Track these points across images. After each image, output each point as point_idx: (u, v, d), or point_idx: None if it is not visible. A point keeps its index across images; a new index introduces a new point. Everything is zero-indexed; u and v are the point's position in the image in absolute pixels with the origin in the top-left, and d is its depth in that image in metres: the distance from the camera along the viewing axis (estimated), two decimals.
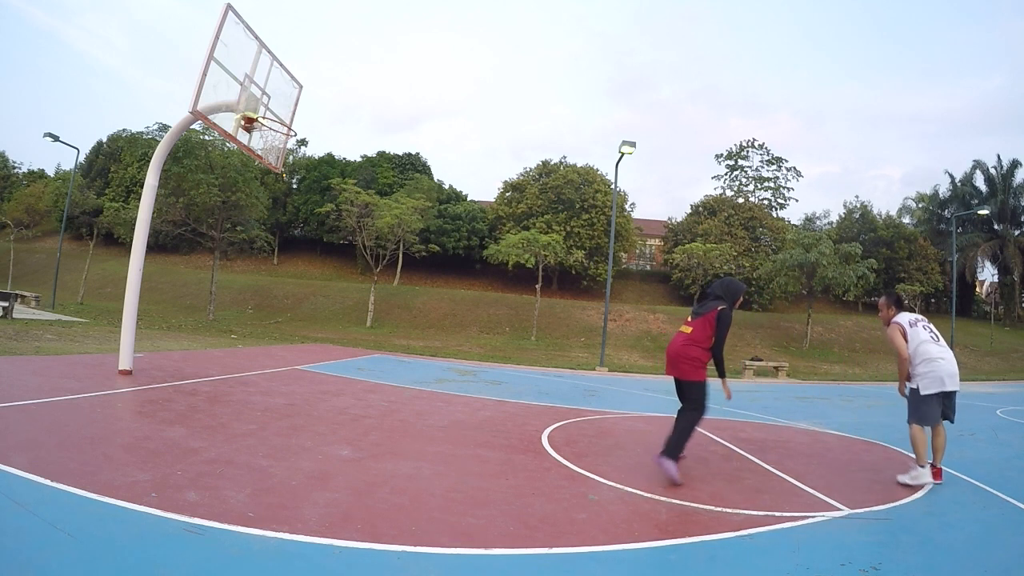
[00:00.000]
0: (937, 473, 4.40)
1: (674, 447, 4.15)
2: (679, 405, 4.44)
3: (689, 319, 4.51)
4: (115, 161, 39.65)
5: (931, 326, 4.69)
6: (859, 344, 27.27)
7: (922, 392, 4.41)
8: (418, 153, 41.91)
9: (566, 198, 34.19)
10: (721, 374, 4.56)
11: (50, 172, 46.40)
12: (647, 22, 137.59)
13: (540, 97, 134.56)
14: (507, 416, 6.55)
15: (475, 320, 27.59)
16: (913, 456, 4.56)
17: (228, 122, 7.20)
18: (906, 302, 4.59)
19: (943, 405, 4.43)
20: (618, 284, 36.50)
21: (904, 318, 4.70)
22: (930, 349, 4.47)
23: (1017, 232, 37.30)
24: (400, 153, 41.36)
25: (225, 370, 8.48)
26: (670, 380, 4.91)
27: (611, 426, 6.46)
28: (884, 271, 32.94)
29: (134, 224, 7.65)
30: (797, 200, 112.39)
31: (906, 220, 42.63)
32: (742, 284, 4.62)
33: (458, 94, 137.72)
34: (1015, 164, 36.87)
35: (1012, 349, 28.41)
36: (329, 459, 4.00)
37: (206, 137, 21.83)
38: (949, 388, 4.36)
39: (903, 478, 4.42)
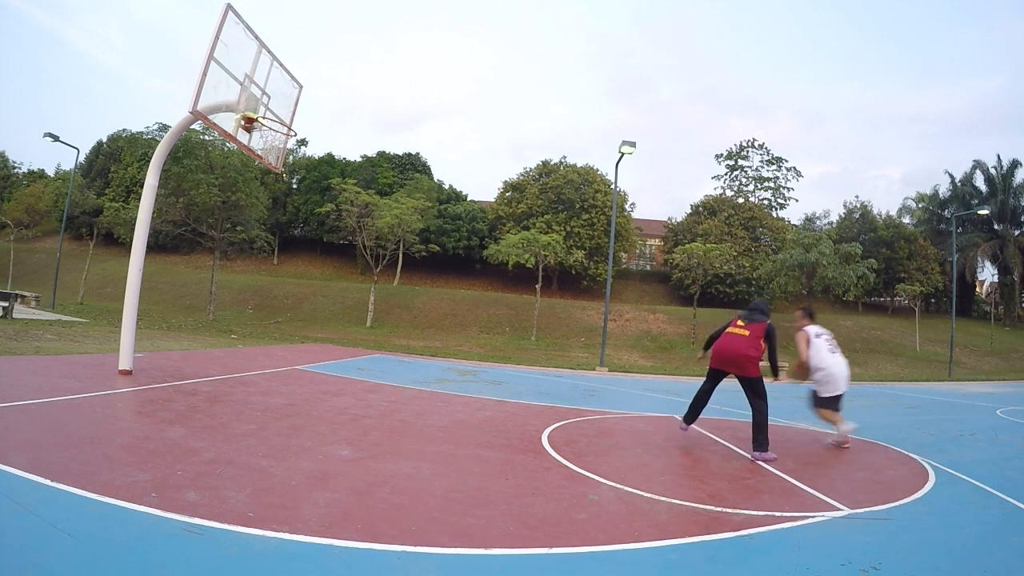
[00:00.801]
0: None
1: (763, 440, 4.95)
2: (681, 404, 4.82)
3: (741, 323, 5.34)
4: (115, 161, 39.66)
5: (831, 339, 5.87)
6: (859, 344, 27.26)
7: (822, 395, 5.66)
8: (418, 153, 41.95)
9: (566, 198, 34.20)
10: (775, 373, 5.73)
11: (50, 172, 46.44)
12: (647, 23, 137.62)
13: (540, 97, 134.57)
14: (507, 416, 6.55)
15: (475, 320, 27.59)
16: (832, 431, 5.82)
17: (228, 122, 7.20)
18: (816, 316, 6.31)
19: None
20: (618, 284, 36.51)
21: (811, 330, 5.81)
22: (826, 359, 5.64)
23: (1017, 232, 37.33)
24: (400, 153, 41.38)
25: (225, 370, 8.48)
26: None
27: (611, 426, 6.46)
28: (884, 271, 32.94)
29: (134, 224, 7.65)
30: (797, 200, 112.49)
31: (906, 220, 42.65)
32: None
33: (458, 94, 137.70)
34: (1015, 164, 36.92)
35: (1012, 349, 28.42)
36: (329, 459, 4.00)
37: (206, 137, 21.83)
38: (841, 391, 5.61)
39: (832, 439, 5.72)
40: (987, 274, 40.53)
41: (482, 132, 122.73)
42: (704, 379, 5.61)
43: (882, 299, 40.11)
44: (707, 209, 37.78)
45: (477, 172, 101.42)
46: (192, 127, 13.16)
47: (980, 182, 39.12)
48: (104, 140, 43.91)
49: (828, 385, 5.62)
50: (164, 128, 23.31)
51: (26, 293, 21.78)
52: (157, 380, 6.81)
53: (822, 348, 5.70)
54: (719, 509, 3.46)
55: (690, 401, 5.68)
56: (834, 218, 45.40)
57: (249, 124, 7.32)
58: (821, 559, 2.77)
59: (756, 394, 5.13)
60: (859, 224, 39.00)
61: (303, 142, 41.87)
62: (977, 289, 43.48)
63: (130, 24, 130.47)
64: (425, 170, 40.78)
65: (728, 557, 2.79)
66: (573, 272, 33.37)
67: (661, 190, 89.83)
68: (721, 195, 42.17)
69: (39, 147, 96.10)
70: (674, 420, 6.93)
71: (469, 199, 39.03)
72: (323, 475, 3.58)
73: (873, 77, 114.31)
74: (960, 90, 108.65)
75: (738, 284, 33.58)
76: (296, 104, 8.59)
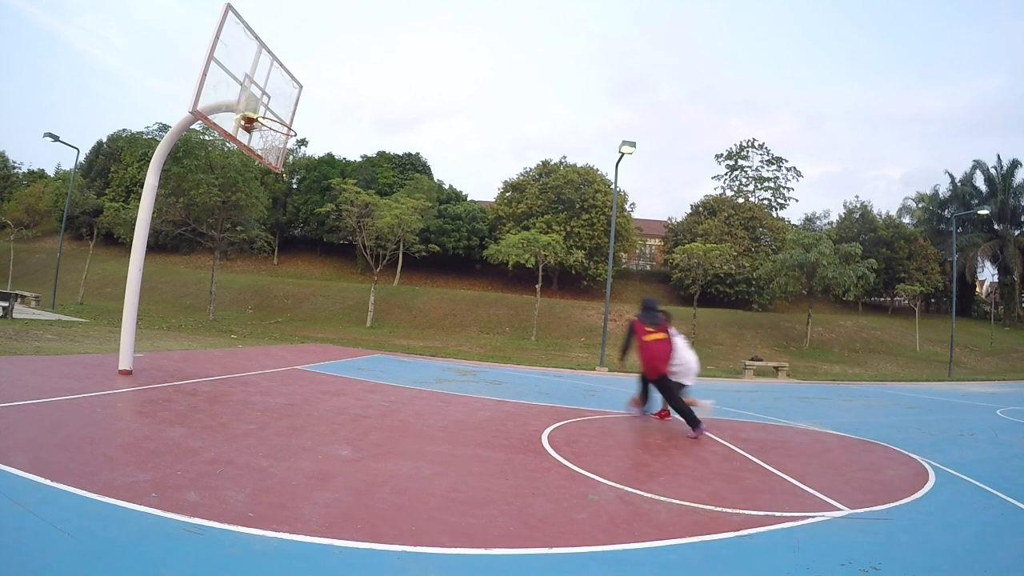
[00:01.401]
0: (667, 413, 6.85)
1: (692, 419, 5.79)
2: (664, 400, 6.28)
3: (651, 328, 6.04)
4: (115, 161, 39.63)
5: (684, 338, 6.84)
6: (859, 344, 27.27)
7: (682, 382, 6.48)
8: (418, 153, 41.90)
9: (566, 198, 34.18)
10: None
11: (50, 172, 46.38)
12: (647, 23, 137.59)
13: (540, 97, 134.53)
14: (507, 416, 6.55)
15: (475, 320, 27.59)
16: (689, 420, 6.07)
17: (228, 122, 7.20)
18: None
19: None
20: (618, 284, 36.50)
21: (671, 330, 6.49)
22: (686, 355, 6.59)
23: (1017, 232, 37.31)
24: (400, 153, 41.34)
25: (225, 370, 8.48)
26: None
27: (611, 426, 6.46)
28: (884, 271, 32.93)
29: (134, 224, 7.65)
30: (797, 200, 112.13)
31: (906, 220, 42.63)
32: None
33: (458, 94, 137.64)
34: (1015, 164, 36.90)
35: (1012, 349, 28.41)
36: (329, 459, 4.00)
37: (206, 137, 21.81)
38: (692, 380, 6.62)
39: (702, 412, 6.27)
40: (987, 274, 40.57)
41: (482, 132, 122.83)
42: (641, 384, 6.66)
43: (882, 299, 40.10)
44: (707, 209, 37.76)
45: (477, 172, 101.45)
46: (192, 127, 13.16)
47: (980, 182, 39.14)
48: (104, 140, 43.86)
49: (685, 375, 6.57)
50: (164, 128, 23.30)
51: (26, 293, 21.76)
52: (157, 380, 6.81)
53: (681, 345, 6.58)
54: (719, 509, 3.46)
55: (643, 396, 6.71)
56: (834, 218, 45.44)
57: (249, 124, 7.31)
58: (821, 559, 2.77)
59: (668, 387, 5.98)
60: (859, 224, 38.99)
61: (303, 142, 41.85)
62: (977, 289, 43.47)
63: (130, 24, 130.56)
64: (425, 170, 40.76)
65: (728, 557, 2.78)
66: (573, 272, 33.35)
67: (661, 190, 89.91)
68: (721, 195, 42.14)
69: (39, 147, 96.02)
70: (673, 420, 6.93)
71: (469, 199, 39.00)
72: (323, 475, 3.58)
73: (873, 77, 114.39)
74: (960, 90, 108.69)
75: (738, 284, 33.58)
76: (296, 104, 8.58)
